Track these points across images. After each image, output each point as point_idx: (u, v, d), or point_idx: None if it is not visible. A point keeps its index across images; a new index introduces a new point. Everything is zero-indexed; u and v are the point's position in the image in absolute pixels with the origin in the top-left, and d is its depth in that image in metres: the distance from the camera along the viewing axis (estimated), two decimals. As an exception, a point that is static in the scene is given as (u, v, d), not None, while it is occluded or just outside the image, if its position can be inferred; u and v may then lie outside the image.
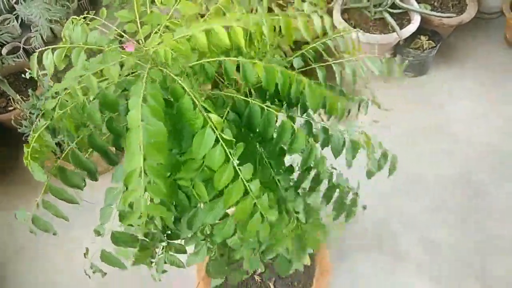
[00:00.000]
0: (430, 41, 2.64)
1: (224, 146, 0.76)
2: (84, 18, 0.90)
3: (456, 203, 2.22)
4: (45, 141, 0.77)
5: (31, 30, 2.80)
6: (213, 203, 0.89)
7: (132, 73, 0.86)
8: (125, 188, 0.84)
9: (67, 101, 0.76)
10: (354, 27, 2.63)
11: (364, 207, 1.37)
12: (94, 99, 0.77)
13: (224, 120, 0.80)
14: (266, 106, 0.87)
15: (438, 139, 2.48)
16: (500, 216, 2.17)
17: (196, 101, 0.77)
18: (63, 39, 0.88)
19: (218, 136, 0.75)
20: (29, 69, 1.03)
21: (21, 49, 2.86)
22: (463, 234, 2.13)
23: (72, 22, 0.90)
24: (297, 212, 1.02)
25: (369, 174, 1.13)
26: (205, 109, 0.78)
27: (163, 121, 0.73)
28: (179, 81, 0.81)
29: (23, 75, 2.02)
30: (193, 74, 0.92)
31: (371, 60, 1.19)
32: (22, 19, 2.73)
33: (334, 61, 1.29)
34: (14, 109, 2.43)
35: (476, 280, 1.99)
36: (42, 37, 2.63)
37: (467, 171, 2.32)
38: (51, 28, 2.84)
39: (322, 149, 1.04)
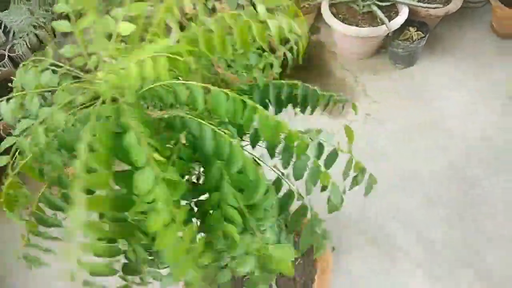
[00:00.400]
0: (419, 32, 2.59)
1: (164, 187, 0.71)
2: (33, 61, 0.87)
3: (452, 198, 2.19)
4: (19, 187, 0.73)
5: (15, 37, 2.70)
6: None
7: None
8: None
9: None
10: (343, 21, 2.57)
11: (333, 248, 1.32)
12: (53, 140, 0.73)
13: (171, 158, 0.77)
14: (219, 129, 0.81)
15: (433, 134, 2.44)
16: (495, 211, 2.14)
17: (140, 137, 0.72)
18: (15, 88, 0.86)
19: (158, 176, 0.71)
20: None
21: (6, 57, 2.76)
22: (460, 230, 2.10)
23: (24, 67, 0.88)
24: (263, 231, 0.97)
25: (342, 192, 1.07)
26: (150, 145, 0.73)
27: (108, 168, 0.70)
28: (128, 114, 0.76)
29: (9, 84, 1.94)
30: (150, 101, 0.87)
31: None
32: (5, 26, 2.64)
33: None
34: (1, 119, 2.35)
35: (475, 276, 1.96)
36: (27, 44, 2.54)
37: (461, 167, 2.29)
38: (36, 34, 2.75)
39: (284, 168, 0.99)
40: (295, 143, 0.85)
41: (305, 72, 2.71)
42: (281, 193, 1.02)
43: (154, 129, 0.87)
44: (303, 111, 1.15)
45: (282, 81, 1.11)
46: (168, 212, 0.72)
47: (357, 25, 2.58)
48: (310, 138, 0.96)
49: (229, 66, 2.54)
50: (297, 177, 0.97)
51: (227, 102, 0.78)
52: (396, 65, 2.71)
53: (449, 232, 2.10)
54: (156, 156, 0.74)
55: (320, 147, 1.04)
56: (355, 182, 1.06)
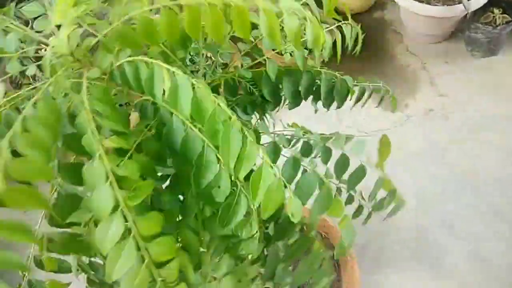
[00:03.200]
0: (505, 15, 2.17)
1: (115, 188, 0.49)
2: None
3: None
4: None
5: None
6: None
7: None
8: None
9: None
10: (412, -3, 2.20)
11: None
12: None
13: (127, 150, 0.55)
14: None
15: (506, 134, 2.05)
16: None
17: (90, 121, 0.50)
18: None
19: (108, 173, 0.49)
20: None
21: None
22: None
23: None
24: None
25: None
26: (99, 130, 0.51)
27: (47, 155, 0.50)
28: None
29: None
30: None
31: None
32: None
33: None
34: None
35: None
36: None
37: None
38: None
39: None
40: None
41: (361, 57, 2.36)
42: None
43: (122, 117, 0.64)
44: (326, 105, 0.87)
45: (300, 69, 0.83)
46: (121, 223, 0.49)
47: (429, 3, 2.19)
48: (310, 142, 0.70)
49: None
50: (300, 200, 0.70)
51: (192, 98, 0.53)
52: (473, 53, 2.30)
53: (506, 252, 1.75)
54: (111, 142, 0.52)
55: (327, 153, 0.77)
56: (380, 206, 0.78)
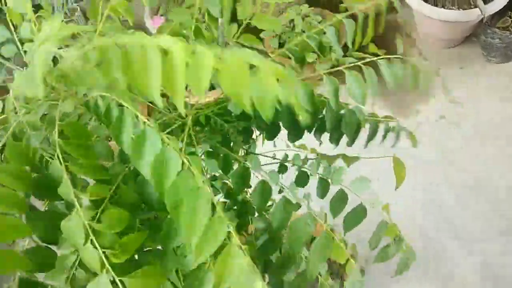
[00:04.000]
0: (524, 20, 2.09)
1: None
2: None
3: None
4: None
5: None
6: None
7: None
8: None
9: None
10: (426, 0, 2.12)
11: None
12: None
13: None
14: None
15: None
16: None
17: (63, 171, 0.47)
18: None
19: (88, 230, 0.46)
20: None
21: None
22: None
23: None
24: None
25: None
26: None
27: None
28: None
29: None
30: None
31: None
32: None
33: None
34: None
35: None
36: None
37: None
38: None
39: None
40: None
41: (374, 59, 2.30)
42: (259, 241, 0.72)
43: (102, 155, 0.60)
44: (333, 140, 0.82)
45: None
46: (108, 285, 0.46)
47: (443, 6, 2.12)
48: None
49: (281, 44, 2.20)
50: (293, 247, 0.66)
51: (157, 155, 0.47)
52: (490, 58, 2.22)
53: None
54: (89, 195, 0.49)
55: (324, 187, 0.73)
56: (384, 255, 0.73)
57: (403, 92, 2.19)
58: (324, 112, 0.80)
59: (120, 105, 0.51)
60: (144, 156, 0.46)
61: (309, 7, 2.16)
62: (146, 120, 0.48)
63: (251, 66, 0.35)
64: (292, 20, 2.16)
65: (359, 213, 0.72)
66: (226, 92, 0.35)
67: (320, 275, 0.85)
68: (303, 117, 0.40)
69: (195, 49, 0.32)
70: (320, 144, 0.83)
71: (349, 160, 0.92)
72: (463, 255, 1.76)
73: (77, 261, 0.53)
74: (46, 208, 0.61)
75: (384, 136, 0.82)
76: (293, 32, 2.12)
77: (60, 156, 0.48)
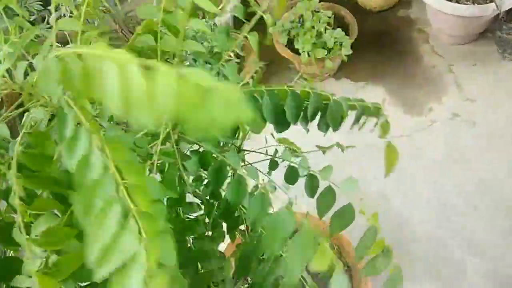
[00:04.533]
0: (542, 16, 2.01)
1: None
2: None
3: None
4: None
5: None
6: None
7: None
8: None
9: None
10: (439, -5, 2.06)
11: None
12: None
13: None
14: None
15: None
16: None
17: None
18: None
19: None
20: None
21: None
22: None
23: None
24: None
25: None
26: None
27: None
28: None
29: None
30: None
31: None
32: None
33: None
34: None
35: None
36: None
37: None
38: None
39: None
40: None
41: (384, 56, 2.25)
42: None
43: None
44: (321, 129, 0.79)
45: (285, 88, 0.75)
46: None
47: (458, 1, 2.05)
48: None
49: (289, 37, 2.16)
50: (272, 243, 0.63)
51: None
52: (505, 55, 2.15)
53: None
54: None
55: (313, 184, 0.69)
56: (372, 269, 0.69)
57: (415, 89, 2.13)
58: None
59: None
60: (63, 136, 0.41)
61: (319, 1, 2.12)
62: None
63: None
64: (302, 15, 2.12)
65: (347, 214, 0.68)
66: (182, 116, 0.30)
67: (305, 282, 0.81)
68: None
69: (154, 67, 0.29)
70: (308, 131, 0.80)
71: (344, 147, 0.91)
72: (472, 260, 1.71)
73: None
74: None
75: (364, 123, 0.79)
76: (303, 27, 2.08)
77: (15, 166, 0.45)
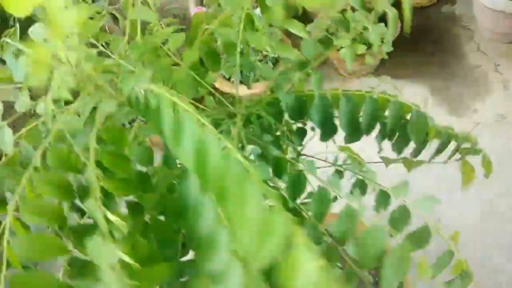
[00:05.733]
0: None
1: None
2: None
3: None
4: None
5: None
6: None
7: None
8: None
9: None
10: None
11: None
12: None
13: None
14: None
15: None
16: None
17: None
18: None
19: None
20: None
21: None
22: None
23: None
24: None
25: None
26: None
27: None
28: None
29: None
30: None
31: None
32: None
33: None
34: None
35: None
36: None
37: None
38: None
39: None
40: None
41: (426, 54, 2.16)
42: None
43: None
44: (396, 147, 0.72)
45: (363, 93, 0.69)
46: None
47: (508, -2, 1.96)
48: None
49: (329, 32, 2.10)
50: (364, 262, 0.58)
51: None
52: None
53: None
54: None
55: (384, 200, 0.64)
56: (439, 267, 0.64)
57: (459, 89, 2.05)
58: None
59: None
60: (183, 143, 0.39)
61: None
62: (182, 105, 0.40)
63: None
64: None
65: (424, 235, 0.63)
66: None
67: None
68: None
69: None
70: (379, 151, 0.74)
71: (412, 163, 0.84)
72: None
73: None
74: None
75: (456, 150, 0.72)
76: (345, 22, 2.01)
77: (93, 164, 0.42)
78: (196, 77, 0.60)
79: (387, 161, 0.86)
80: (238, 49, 0.59)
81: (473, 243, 1.69)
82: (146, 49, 0.46)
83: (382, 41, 2.07)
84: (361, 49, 1.98)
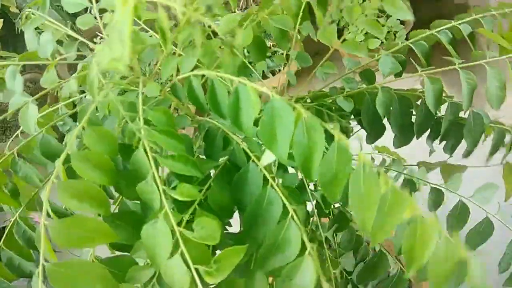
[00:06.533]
0: None
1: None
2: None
3: None
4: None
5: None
6: None
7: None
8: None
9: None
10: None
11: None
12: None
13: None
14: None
15: None
16: None
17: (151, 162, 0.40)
18: None
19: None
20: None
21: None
22: None
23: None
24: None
25: None
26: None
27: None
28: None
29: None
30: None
31: None
32: None
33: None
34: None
35: None
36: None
37: None
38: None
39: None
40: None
41: (440, 47, 2.12)
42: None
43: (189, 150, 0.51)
44: (448, 148, 0.69)
45: (418, 93, 0.66)
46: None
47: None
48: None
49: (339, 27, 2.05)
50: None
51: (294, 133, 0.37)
52: None
53: None
54: (180, 195, 0.41)
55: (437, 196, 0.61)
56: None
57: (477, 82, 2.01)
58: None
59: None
60: (277, 138, 0.37)
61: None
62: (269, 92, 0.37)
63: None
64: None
65: (486, 229, 0.60)
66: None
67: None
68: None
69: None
70: (430, 154, 0.71)
71: (453, 169, 0.80)
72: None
73: (155, 277, 0.43)
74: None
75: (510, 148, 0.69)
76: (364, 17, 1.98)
77: (147, 146, 0.39)
78: (248, 64, 0.57)
79: (427, 166, 0.82)
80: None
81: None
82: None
83: (395, 35, 2.03)
84: (374, 43, 1.94)
